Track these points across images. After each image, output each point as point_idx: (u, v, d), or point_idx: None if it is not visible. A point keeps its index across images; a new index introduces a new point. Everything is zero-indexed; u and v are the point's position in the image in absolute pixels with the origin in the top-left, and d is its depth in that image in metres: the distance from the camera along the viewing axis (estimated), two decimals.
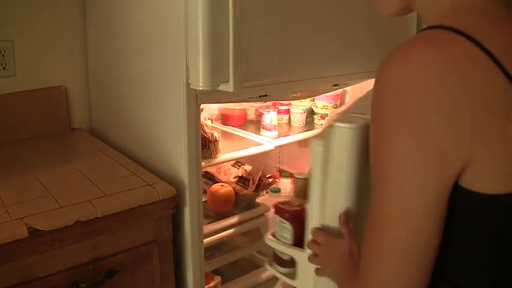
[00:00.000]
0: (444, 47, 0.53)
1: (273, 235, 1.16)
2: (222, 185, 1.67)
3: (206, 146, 1.45)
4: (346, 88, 1.90)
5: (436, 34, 0.55)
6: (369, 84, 1.70)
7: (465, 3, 0.58)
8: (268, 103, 1.86)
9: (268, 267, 1.21)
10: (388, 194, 0.56)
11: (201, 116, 1.32)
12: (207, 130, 1.47)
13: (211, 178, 1.78)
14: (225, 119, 1.88)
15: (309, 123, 1.93)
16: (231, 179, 1.77)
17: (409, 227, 0.55)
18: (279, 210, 1.15)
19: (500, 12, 0.57)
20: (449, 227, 0.57)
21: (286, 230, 1.12)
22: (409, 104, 0.54)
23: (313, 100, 1.94)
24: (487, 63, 0.52)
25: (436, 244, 0.56)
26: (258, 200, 1.76)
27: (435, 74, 0.52)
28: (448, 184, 0.54)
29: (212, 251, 1.60)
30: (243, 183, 1.73)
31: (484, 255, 0.58)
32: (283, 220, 1.12)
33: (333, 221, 0.92)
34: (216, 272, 1.65)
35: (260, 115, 1.79)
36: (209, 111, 1.86)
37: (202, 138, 1.35)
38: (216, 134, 1.49)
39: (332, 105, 1.89)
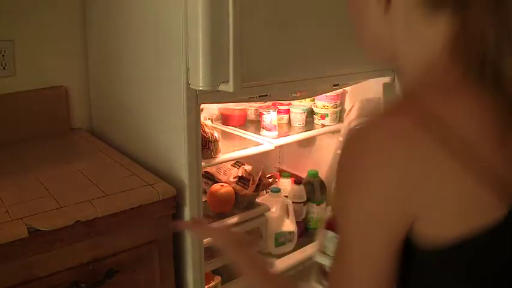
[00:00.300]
0: (403, 139, 0.56)
1: (322, 251, 1.13)
2: (222, 185, 1.67)
3: (206, 146, 1.45)
4: (346, 88, 1.90)
5: (399, 124, 0.57)
6: (369, 84, 1.71)
7: (437, 79, 0.61)
8: (268, 103, 1.86)
9: (315, 285, 1.16)
10: (346, 245, 0.61)
11: (201, 116, 1.32)
12: (207, 130, 1.47)
13: (211, 178, 1.78)
14: (225, 119, 1.88)
15: (309, 123, 1.93)
16: (231, 179, 1.76)
17: (362, 271, 0.59)
18: (332, 226, 1.12)
19: (470, 90, 0.59)
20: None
21: None
22: (359, 177, 0.58)
23: (313, 100, 1.94)
24: (444, 159, 0.54)
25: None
26: (258, 200, 1.76)
27: (388, 157, 0.56)
28: (396, 241, 0.58)
29: (212, 251, 1.60)
30: (243, 183, 1.73)
31: None
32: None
33: None
34: (216, 272, 1.65)
35: (260, 115, 1.79)
36: (209, 111, 1.86)
37: (202, 138, 1.35)
38: (216, 134, 1.49)
39: (332, 105, 1.89)
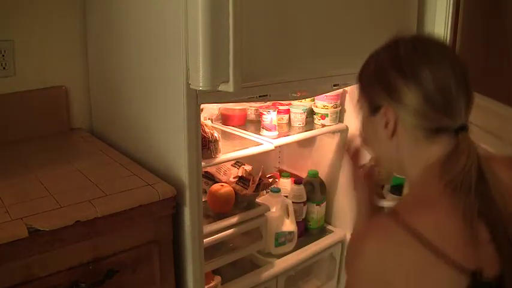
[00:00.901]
0: (394, 243, 0.72)
1: None
2: (222, 185, 1.67)
3: (206, 146, 1.45)
4: (346, 88, 1.90)
5: (394, 233, 0.73)
6: None
7: (423, 196, 0.77)
8: (268, 103, 1.86)
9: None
10: None
11: (201, 116, 1.32)
12: (207, 130, 1.47)
13: (211, 178, 1.78)
14: (225, 119, 1.88)
15: (309, 123, 1.93)
16: (231, 179, 1.76)
17: None
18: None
19: (444, 203, 0.73)
20: None
21: None
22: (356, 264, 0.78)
23: (313, 100, 1.94)
24: (432, 260, 0.68)
25: None
26: (258, 200, 1.76)
27: (378, 261, 0.73)
28: None
29: (212, 251, 1.60)
30: (243, 183, 1.73)
31: None
32: None
33: None
34: (216, 272, 1.65)
35: (260, 115, 1.79)
36: (209, 111, 1.86)
37: (202, 138, 1.35)
38: (216, 134, 1.49)
39: (332, 105, 1.89)
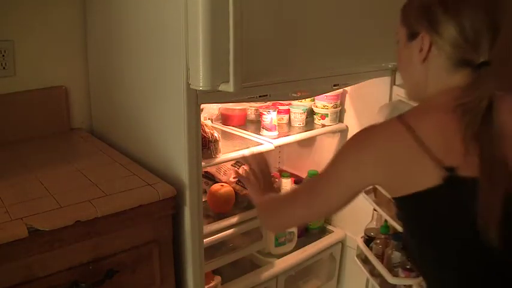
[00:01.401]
0: (388, 129, 0.92)
1: None
2: (222, 185, 1.67)
3: (206, 146, 1.45)
4: (346, 88, 1.90)
5: (395, 127, 0.90)
6: (369, 84, 1.71)
7: (434, 104, 0.93)
8: (268, 103, 1.86)
9: None
10: (323, 184, 1.01)
11: (201, 116, 1.32)
12: (207, 130, 1.47)
13: (211, 178, 1.78)
14: (225, 119, 1.88)
15: (309, 123, 1.93)
16: (231, 179, 1.76)
17: (325, 202, 1.00)
18: None
19: (449, 117, 0.87)
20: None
21: None
22: (347, 158, 0.96)
23: (313, 100, 1.94)
24: (419, 153, 0.85)
25: (322, 208, 1.03)
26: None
27: (368, 145, 0.92)
28: (356, 190, 0.96)
29: (212, 251, 1.60)
30: (243, 183, 1.73)
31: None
32: None
33: None
34: (216, 272, 1.65)
35: (260, 115, 1.79)
36: (209, 111, 1.86)
37: (202, 138, 1.35)
38: (216, 134, 1.49)
39: (332, 105, 1.89)
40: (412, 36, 0.96)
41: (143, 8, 1.36)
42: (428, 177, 0.84)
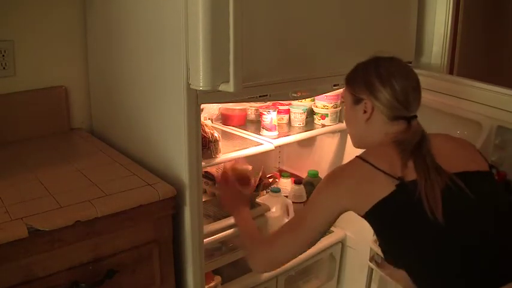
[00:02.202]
0: (353, 166, 1.16)
1: None
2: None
3: (206, 146, 1.45)
4: None
5: (355, 162, 1.16)
6: None
7: (378, 145, 1.19)
8: (268, 103, 1.86)
9: None
10: (308, 212, 1.21)
11: (201, 116, 1.32)
12: (207, 130, 1.47)
13: (211, 178, 1.78)
14: (225, 119, 1.88)
15: (309, 123, 1.93)
16: None
17: (310, 227, 1.18)
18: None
19: (390, 148, 1.15)
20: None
21: None
22: (327, 189, 1.19)
23: (313, 100, 1.93)
24: (365, 167, 1.13)
25: (305, 242, 1.20)
26: (258, 200, 1.76)
27: (338, 182, 1.17)
28: (334, 214, 1.16)
29: (212, 251, 1.60)
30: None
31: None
32: None
33: None
34: (216, 272, 1.65)
35: (260, 115, 1.79)
36: (209, 111, 1.86)
37: (202, 138, 1.35)
38: (216, 134, 1.49)
39: (332, 105, 1.89)
40: (357, 101, 1.22)
41: (143, 8, 1.36)
42: (384, 188, 1.08)
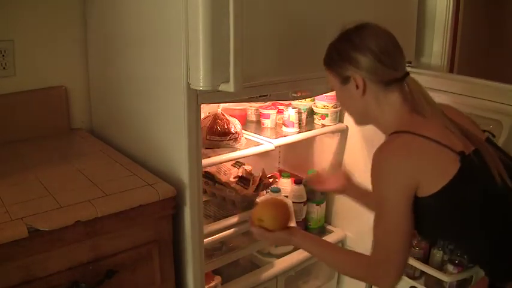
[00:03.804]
0: (405, 144, 1.08)
1: None
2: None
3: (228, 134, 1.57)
4: None
5: (401, 137, 1.10)
6: None
7: (400, 118, 1.13)
8: (268, 103, 1.86)
9: None
10: (384, 211, 1.09)
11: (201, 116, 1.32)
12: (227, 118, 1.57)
13: (211, 178, 1.78)
14: None
15: (309, 123, 1.93)
16: (231, 179, 1.76)
17: (395, 223, 1.07)
18: None
19: (416, 116, 1.12)
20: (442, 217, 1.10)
21: None
22: (388, 174, 1.08)
23: (313, 100, 1.94)
24: (427, 142, 1.06)
25: (409, 231, 1.07)
26: (258, 200, 1.76)
27: (399, 161, 1.07)
28: (410, 202, 1.06)
29: (212, 251, 1.60)
30: (243, 183, 1.73)
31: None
32: None
33: None
34: (216, 272, 1.65)
35: (260, 115, 1.80)
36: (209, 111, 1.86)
37: (225, 128, 1.51)
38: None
39: (332, 105, 1.89)
40: (344, 80, 1.15)
41: (143, 8, 1.36)
42: (452, 164, 1.04)
